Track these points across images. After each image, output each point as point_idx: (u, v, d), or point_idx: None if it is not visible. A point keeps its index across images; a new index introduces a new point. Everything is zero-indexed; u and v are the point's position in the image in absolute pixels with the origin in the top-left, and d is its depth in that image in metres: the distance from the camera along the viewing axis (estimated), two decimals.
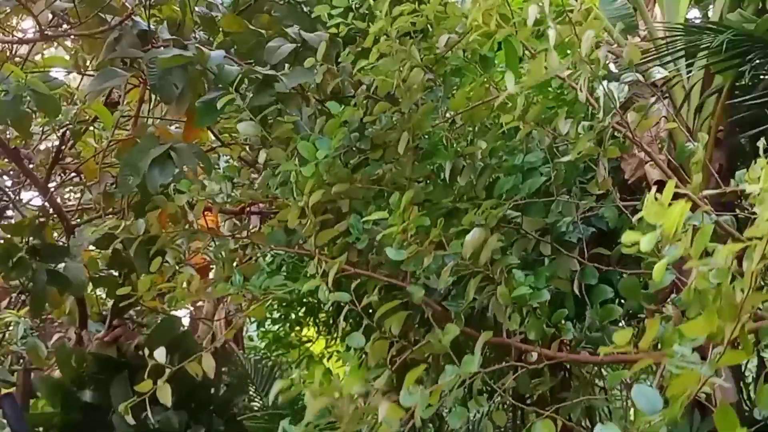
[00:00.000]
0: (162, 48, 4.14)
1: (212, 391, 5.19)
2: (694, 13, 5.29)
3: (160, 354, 3.50)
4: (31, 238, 4.55)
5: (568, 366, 4.66)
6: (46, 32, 4.38)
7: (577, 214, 3.66)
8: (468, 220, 3.35)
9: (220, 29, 4.41)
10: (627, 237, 2.23)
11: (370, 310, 3.38)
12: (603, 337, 3.63)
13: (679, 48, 4.07)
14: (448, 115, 3.85)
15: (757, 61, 3.84)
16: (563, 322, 3.54)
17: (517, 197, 3.59)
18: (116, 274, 4.96)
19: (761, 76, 4.10)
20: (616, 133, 3.61)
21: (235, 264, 4.01)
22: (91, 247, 5.00)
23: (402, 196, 3.29)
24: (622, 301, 3.90)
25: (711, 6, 4.93)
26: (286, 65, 4.03)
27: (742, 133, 4.08)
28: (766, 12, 4.05)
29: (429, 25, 3.79)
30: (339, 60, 4.01)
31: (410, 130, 3.68)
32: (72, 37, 5.58)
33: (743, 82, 4.08)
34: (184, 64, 3.97)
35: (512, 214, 3.73)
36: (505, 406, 4.17)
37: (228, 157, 5.09)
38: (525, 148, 3.77)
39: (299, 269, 6.02)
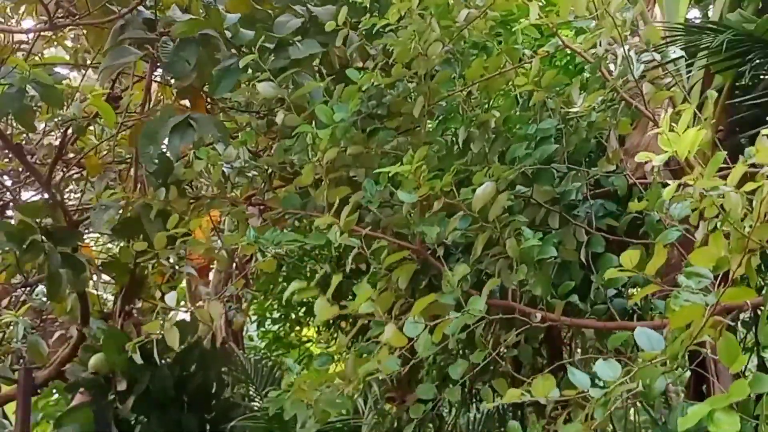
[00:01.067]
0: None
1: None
2: (694, 13, 5.34)
3: (171, 298, 3.57)
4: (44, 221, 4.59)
5: (569, 343, 4.71)
6: (55, 22, 4.40)
7: (586, 181, 3.70)
8: (479, 179, 3.40)
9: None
10: (640, 156, 2.29)
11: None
12: (607, 309, 3.67)
13: (679, 47, 4.12)
14: (464, 85, 3.90)
15: (757, 61, 3.88)
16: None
17: (528, 163, 3.63)
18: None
19: (761, 76, 4.13)
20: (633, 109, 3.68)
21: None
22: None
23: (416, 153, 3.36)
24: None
25: (711, 6, 4.97)
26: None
27: (742, 133, 4.11)
28: (766, 12, 4.09)
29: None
30: (360, 25, 4.06)
31: (426, 95, 3.74)
32: (73, 35, 5.69)
33: (743, 82, 4.10)
34: (194, 42, 4.04)
35: (522, 189, 3.79)
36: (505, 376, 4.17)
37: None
38: (539, 117, 3.81)
39: (299, 269, 6.08)
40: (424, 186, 3.29)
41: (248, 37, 3.98)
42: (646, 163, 4.26)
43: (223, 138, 4.17)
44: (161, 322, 3.56)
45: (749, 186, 2.33)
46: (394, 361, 3.06)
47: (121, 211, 4.37)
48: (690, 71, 4.31)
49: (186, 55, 4.04)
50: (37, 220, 4.54)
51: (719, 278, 2.59)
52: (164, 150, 4.16)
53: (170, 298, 3.55)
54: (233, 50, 4.12)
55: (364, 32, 4.06)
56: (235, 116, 4.96)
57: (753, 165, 2.47)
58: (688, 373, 4.12)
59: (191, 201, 4.20)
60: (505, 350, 3.76)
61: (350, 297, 4.31)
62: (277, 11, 4.35)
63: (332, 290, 3.00)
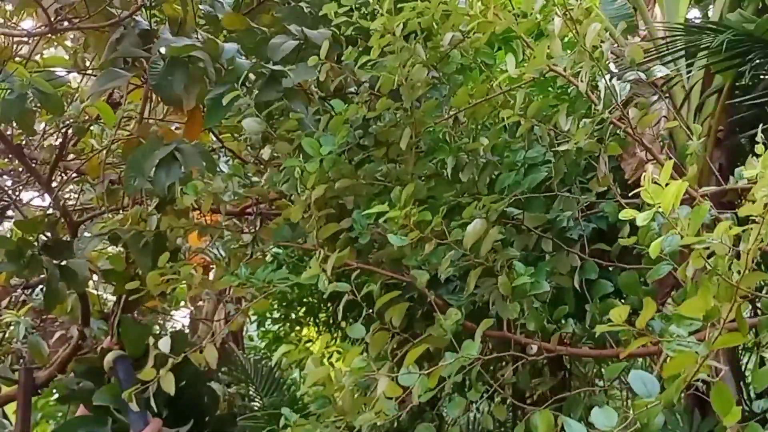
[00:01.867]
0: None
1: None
2: (694, 13, 5.32)
3: (164, 344, 3.55)
4: (43, 235, 4.55)
5: (569, 366, 4.69)
6: (55, 26, 4.37)
7: (577, 208, 3.68)
8: (469, 213, 3.38)
9: (223, 29, 4.42)
10: (624, 214, 2.27)
11: (371, 310, 3.44)
12: (604, 334, 3.66)
13: (679, 48, 4.10)
14: (451, 112, 3.88)
15: (757, 61, 3.86)
16: (563, 320, 3.59)
17: (518, 192, 3.61)
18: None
19: (761, 76, 4.12)
20: (618, 132, 3.66)
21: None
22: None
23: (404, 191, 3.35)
24: (623, 298, 3.91)
25: (711, 6, 4.95)
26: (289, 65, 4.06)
27: (742, 133, 4.10)
28: (766, 12, 4.08)
29: (434, 23, 3.82)
30: (342, 58, 4.03)
31: (413, 126, 3.72)
32: (73, 35, 5.64)
33: (743, 82, 4.08)
34: (184, 63, 3.98)
35: (514, 211, 3.77)
36: (506, 403, 4.17)
37: (227, 158, 5.11)
38: (527, 145, 3.79)
39: (300, 269, 6.05)
40: (414, 231, 3.26)
41: (244, 69, 3.93)
42: (646, 162, 4.28)
43: (210, 169, 4.14)
44: (157, 371, 3.52)
45: (735, 230, 2.31)
46: (392, 405, 3.05)
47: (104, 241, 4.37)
48: (690, 71, 4.29)
49: (176, 78, 3.98)
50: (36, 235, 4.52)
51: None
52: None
53: (164, 344, 3.53)
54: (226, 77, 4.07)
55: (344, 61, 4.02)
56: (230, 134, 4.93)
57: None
58: None
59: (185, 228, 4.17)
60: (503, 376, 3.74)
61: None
62: (272, 30, 4.31)
63: (319, 353, 2.99)
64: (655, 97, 3.90)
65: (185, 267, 3.72)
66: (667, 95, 4.19)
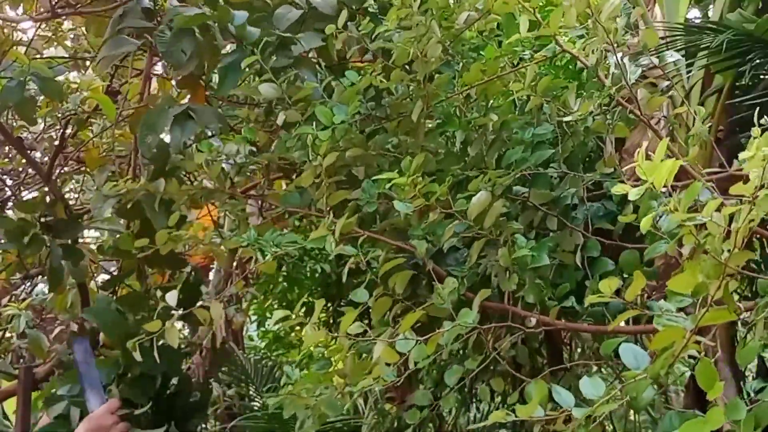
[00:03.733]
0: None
1: None
2: (694, 13, 5.33)
3: (171, 297, 3.63)
4: (43, 215, 4.57)
5: (569, 344, 4.76)
6: (56, 10, 4.41)
7: (582, 186, 3.73)
8: (475, 186, 3.44)
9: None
10: (616, 189, 2.33)
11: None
12: (603, 311, 3.73)
13: (679, 48, 4.12)
14: (462, 88, 3.92)
15: (757, 61, 3.87)
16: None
17: (525, 167, 3.67)
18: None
19: (761, 76, 4.12)
20: (626, 113, 3.71)
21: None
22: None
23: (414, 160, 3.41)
24: (624, 278, 3.96)
25: (711, 6, 4.95)
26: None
27: (742, 133, 4.12)
28: (766, 12, 4.08)
29: (450, 2, 3.87)
30: (353, 26, 4.06)
31: (425, 99, 3.78)
32: (73, 35, 5.71)
33: (743, 82, 4.10)
34: (191, 32, 4.00)
35: (521, 190, 3.83)
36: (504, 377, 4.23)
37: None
38: (536, 122, 3.84)
39: (299, 269, 6.10)
40: (420, 198, 3.33)
41: (255, 36, 3.96)
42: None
43: (223, 129, 4.19)
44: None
45: (728, 210, 2.37)
46: (390, 370, 3.12)
47: (121, 201, 4.42)
48: (690, 71, 4.32)
49: (184, 45, 4.00)
50: (37, 215, 4.54)
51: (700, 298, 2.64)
52: (163, 139, 4.17)
53: (171, 297, 3.60)
54: (233, 42, 4.12)
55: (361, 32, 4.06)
56: (235, 110, 4.97)
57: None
58: (688, 373, 4.15)
59: (190, 192, 4.22)
60: (503, 352, 3.80)
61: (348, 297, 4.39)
62: (276, 1, 4.35)
63: (317, 316, 3.05)
64: (665, 84, 3.93)
65: (197, 224, 3.78)
66: (672, 88, 4.21)
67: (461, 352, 3.82)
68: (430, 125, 4.11)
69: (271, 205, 4.27)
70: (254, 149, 4.30)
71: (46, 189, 4.78)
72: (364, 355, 3.38)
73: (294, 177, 4.04)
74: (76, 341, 4.27)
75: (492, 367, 3.92)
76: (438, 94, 3.86)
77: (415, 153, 3.69)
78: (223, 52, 4.08)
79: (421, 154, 3.49)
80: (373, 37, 3.87)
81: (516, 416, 2.54)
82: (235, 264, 4.81)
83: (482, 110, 3.97)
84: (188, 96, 4.56)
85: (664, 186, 2.30)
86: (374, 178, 3.64)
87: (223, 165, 4.16)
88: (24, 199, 5.60)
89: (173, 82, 4.95)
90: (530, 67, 3.61)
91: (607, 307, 3.71)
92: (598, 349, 4.29)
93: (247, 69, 3.92)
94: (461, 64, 4.07)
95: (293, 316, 3.17)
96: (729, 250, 2.34)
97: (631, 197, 2.30)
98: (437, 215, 3.41)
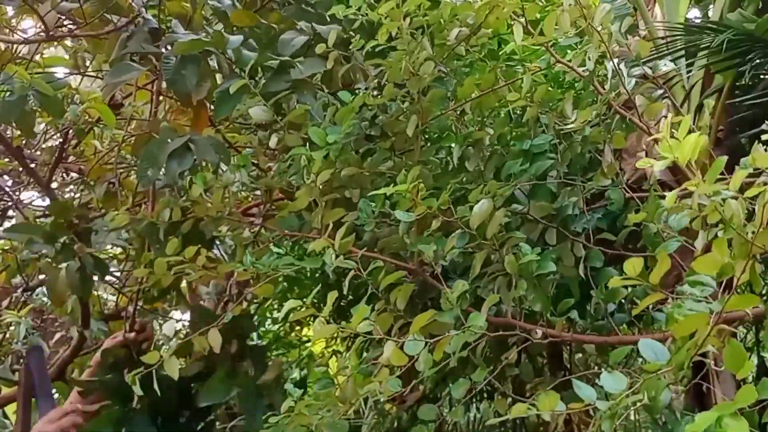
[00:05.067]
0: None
1: None
2: (694, 13, 5.36)
3: (169, 328, 3.55)
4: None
5: (569, 366, 4.68)
6: (52, 33, 4.38)
7: (581, 196, 3.69)
8: (474, 197, 3.39)
9: (231, 26, 4.43)
10: (640, 163, 2.28)
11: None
12: (608, 324, 3.67)
13: (679, 48, 4.12)
14: (457, 104, 3.90)
15: (757, 61, 3.88)
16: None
17: (524, 179, 3.63)
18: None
19: (761, 76, 4.13)
20: (624, 123, 3.69)
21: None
22: None
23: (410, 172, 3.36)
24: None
25: (711, 6, 4.99)
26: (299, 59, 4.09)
27: (742, 133, 4.11)
28: (766, 12, 4.10)
29: (441, 20, 3.85)
30: (350, 47, 4.05)
31: (419, 114, 3.74)
32: (71, 38, 5.67)
33: (743, 82, 4.10)
34: (196, 59, 4.01)
35: (518, 207, 3.78)
36: (506, 397, 4.15)
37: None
38: (533, 133, 3.81)
39: (297, 282, 6.04)
40: (421, 205, 3.27)
41: (250, 60, 3.95)
42: (644, 170, 4.30)
43: (223, 160, 4.15)
44: (160, 352, 3.51)
45: (752, 191, 2.32)
46: (396, 381, 3.04)
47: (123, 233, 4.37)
48: (690, 71, 4.31)
49: (188, 74, 4.00)
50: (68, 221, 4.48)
51: (722, 286, 2.58)
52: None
53: (168, 328, 3.53)
54: (235, 69, 4.10)
55: (357, 51, 4.04)
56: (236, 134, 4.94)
57: (751, 174, 2.48)
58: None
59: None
60: (507, 368, 3.72)
61: (350, 317, 4.30)
62: (282, 27, 4.34)
63: (329, 309, 2.98)
64: (660, 92, 3.91)
65: (189, 249, 3.70)
66: (666, 96, 4.20)
67: (464, 367, 3.74)
68: (425, 143, 4.07)
69: (267, 229, 4.21)
70: (257, 173, 4.29)
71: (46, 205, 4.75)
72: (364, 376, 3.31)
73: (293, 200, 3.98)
74: (30, 353, 4.26)
75: (494, 391, 3.86)
76: (432, 110, 3.83)
77: (411, 168, 3.64)
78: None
79: (416, 167, 3.45)
80: (365, 53, 3.84)
81: (537, 410, 2.46)
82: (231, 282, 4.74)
83: (478, 124, 3.93)
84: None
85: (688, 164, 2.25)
86: (371, 194, 3.59)
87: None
88: (24, 203, 5.65)
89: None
90: (526, 77, 3.58)
91: (613, 319, 3.66)
92: (599, 365, 4.23)
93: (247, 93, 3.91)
94: (455, 79, 4.03)
95: (304, 308, 3.07)
96: (753, 231, 2.29)
97: (656, 169, 2.24)
98: (439, 223, 3.34)
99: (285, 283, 6.11)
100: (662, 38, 4.19)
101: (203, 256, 3.77)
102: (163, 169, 4.02)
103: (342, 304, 3.40)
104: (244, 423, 4.43)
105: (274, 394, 4.43)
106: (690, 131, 2.22)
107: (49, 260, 4.39)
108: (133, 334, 4.41)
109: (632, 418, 4.98)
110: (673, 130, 2.24)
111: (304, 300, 6.26)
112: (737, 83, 4.19)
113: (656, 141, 2.37)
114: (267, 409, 4.31)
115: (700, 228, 2.68)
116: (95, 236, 4.35)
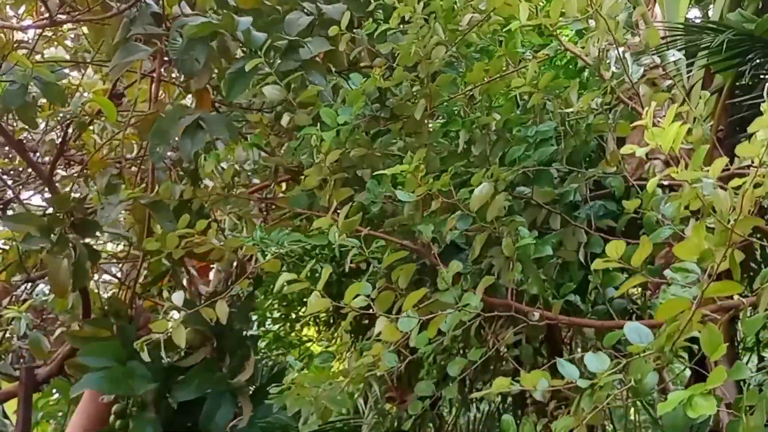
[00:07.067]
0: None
1: None
2: (694, 13, 5.38)
3: (178, 297, 3.63)
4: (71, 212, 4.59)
5: (570, 350, 4.75)
6: (55, 19, 4.44)
7: (583, 181, 3.75)
8: (477, 180, 3.45)
9: (234, 7, 4.46)
10: (625, 149, 2.35)
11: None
12: (607, 309, 3.72)
13: (679, 48, 4.15)
14: (466, 88, 3.95)
15: (757, 61, 3.91)
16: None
17: (528, 164, 3.68)
18: None
19: (761, 76, 4.16)
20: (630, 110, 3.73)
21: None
22: None
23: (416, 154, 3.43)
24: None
25: (711, 6, 5.01)
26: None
27: (742, 133, 4.14)
28: (766, 12, 4.12)
29: (455, 5, 3.91)
30: (358, 29, 4.11)
31: (428, 98, 3.81)
32: (73, 35, 5.76)
33: (743, 82, 4.14)
34: (204, 39, 4.06)
35: (524, 190, 3.84)
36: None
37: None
38: (538, 120, 3.86)
39: (299, 269, 6.05)
40: (423, 186, 3.34)
41: (260, 41, 4.01)
42: (647, 161, 4.35)
43: (233, 138, 4.22)
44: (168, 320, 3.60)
45: (736, 182, 2.38)
46: (392, 356, 3.11)
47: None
48: (690, 71, 4.34)
49: (196, 54, 4.06)
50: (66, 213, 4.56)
51: (706, 273, 2.64)
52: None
53: (177, 297, 3.61)
54: (243, 50, 4.16)
55: (367, 35, 4.10)
56: (245, 115, 5.00)
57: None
58: (688, 372, 4.15)
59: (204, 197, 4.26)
60: (506, 349, 3.80)
61: None
62: (286, 7, 4.39)
63: (323, 282, 3.04)
64: (669, 81, 3.95)
65: (200, 222, 3.79)
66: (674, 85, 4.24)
67: (463, 350, 3.82)
68: (433, 126, 4.14)
69: (278, 207, 4.29)
70: (266, 153, 4.36)
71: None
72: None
73: (302, 179, 4.05)
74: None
75: (494, 367, 3.92)
76: (441, 94, 3.89)
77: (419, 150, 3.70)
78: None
79: (422, 149, 3.52)
80: (376, 36, 3.90)
81: (520, 385, 2.54)
82: (235, 264, 4.80)
83: (485, 110, 3.99)
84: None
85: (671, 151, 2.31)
86: (377, 173, 3.65)
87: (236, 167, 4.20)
88: (24, 200, 5.70)
89: (177, 85, 4.98)
90: (531, 64, 3.64)
91: (611, 304, 3.72)
92: (599, 349, 4.28)
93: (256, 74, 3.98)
94: (465, 64, 4.09)
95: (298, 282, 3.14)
96: (734, 219, 2.35)
97: (638, 154, 2.31)
98: (439, 204, 3.41)
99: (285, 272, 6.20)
100: (662, 38, 4.22)
101: (213, 230, 3.87)
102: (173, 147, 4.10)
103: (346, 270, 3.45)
104: (201, 422, 4.55)
105: (245, 397, 4.55)
106: (676, 118, 2.28)
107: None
108: None
109: (632, 417, 5.05)
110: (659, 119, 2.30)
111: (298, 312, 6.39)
112: (737, 83, 4.22)
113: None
114: (230, 414, 4.44)
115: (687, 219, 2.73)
116: (101, 211, 4.40)
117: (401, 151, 3.94)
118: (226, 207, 4.33)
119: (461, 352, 3.89)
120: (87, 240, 4.64)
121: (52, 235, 4.44)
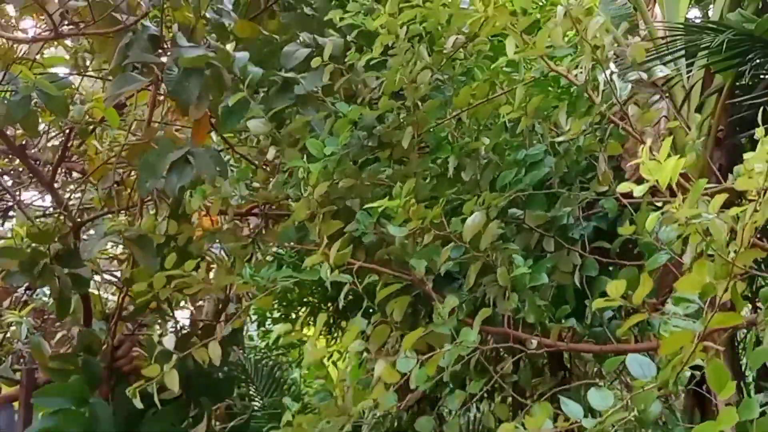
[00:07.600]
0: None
1: None
2: (694, 13, 5.35)
3: (169, 341, 3.57)
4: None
5: (569, 366, 4.69)
6: (60, 31, 4.41)
7: (576, 204, 3.71)
8: (469, 208, 3.40)
9: (231, 36, 4.44)
10: (621, 187, 2.30)
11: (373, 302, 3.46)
12: (605, 331, 3.69)
13: (679, 48, 4.12)
14: (453, 113, 3.91)
15: (757, 61, 3.87)
16: (564, 320, 3.61)
17: (520, 188, 3.64)
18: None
19: (761, 76, 4.13)
20: (618, 130, 3.70)
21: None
22: None
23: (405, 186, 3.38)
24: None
25: (711, 6, 4.98)
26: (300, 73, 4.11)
27: (742, 133, 4.11)
28: (766, 12, 4.09)
29: (438, 27, 3.87)
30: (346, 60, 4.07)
31: (415, 125, 3.76)
32: (79, 36, 5.70)
33: (743, 82, 4.11)
34: (200, 70, 4.02)
35: (516, 212, 3.80)
36: (506, 402, 4.17)
37: (235, 163, 5.12)
38: (528, 143, 3.83)
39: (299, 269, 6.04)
40: (414, 220, 3.29)
41: (256, 77, 3.97)
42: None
43: (222, 174, 4.17)
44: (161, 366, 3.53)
45: (733, 210, 2.34)
46: (392, 396, 3.06)
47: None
48: (690, 71, 4.31)
49: (191, 84, 4.02)
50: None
51: (707, 302, 2.60)
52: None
53: (168, 341, 3.55)
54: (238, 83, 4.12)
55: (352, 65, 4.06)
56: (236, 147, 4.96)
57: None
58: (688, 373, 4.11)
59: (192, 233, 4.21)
60: (505, 377, 3.75)
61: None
62: (284, 38, 4.35)
63: (318, 331, 3.00)
64: (657, 97, 3.91)
65: (189, 263, 3.74)
66: (667, 95, 4.20)
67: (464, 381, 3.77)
68: (422, 151, 4.09)
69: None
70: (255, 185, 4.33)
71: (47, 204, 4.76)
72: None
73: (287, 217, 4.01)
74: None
75: (494, 392, 3.87)
76: (428, 120, 3.85)
77: (408, 178, 3.66)
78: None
79: (411, 180, 3.47)
80: (362, 65, 3.86)
81: (525, 429, 2.49)
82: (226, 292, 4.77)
83: (473, 134, 3.94)
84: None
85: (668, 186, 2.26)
86: (367, 206, 3.61)
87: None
88: (26, 203, 5.67)
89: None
90: (519, 88, 3.60)
91: (609, 326, 3.68)
92: (600, 371, 4.25)
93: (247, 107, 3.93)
94: (451, 88, 4.04)
95: (293, 332, 3.09)
96: (735, 251, 2.31)
97: (636, 193, 2.26)
98: (431, 237, 3.36)
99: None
100: (662, 38, 4.19)
101: (203, 270, 3.81)
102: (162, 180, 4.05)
103: (340, 308, 3.40)
104: None
105: None
106: (669, 155, 2.23)
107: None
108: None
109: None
110: (653, 153, 2.25)
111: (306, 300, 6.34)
112: (737, 83, 4.18)
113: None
114: None
115: (689, 242, 2.68)
116: (84, 244, 4.36)
117: (390, 179, 3.89)
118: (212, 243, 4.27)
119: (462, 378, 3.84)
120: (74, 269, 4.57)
121: (35, 269, 4.38)
